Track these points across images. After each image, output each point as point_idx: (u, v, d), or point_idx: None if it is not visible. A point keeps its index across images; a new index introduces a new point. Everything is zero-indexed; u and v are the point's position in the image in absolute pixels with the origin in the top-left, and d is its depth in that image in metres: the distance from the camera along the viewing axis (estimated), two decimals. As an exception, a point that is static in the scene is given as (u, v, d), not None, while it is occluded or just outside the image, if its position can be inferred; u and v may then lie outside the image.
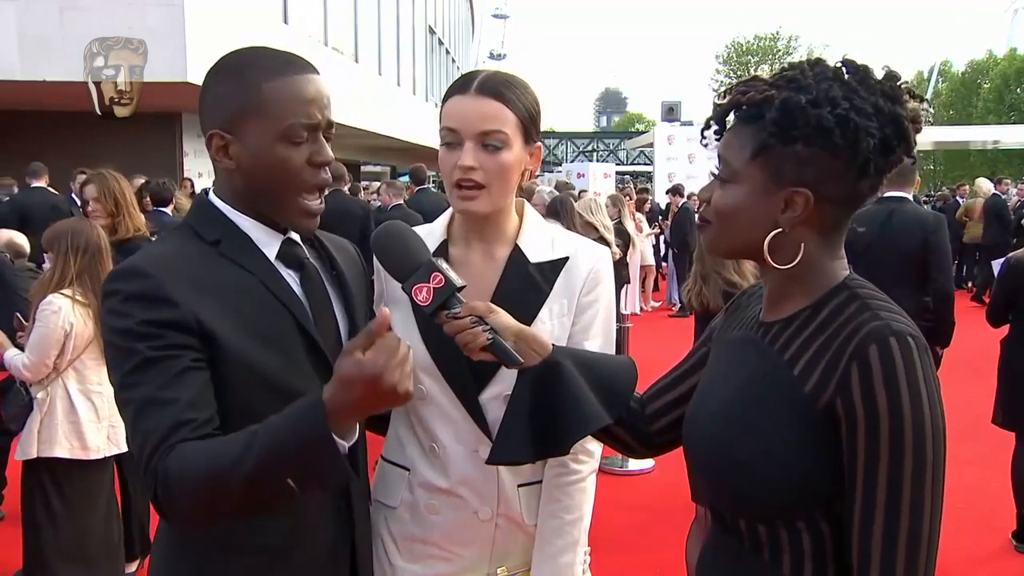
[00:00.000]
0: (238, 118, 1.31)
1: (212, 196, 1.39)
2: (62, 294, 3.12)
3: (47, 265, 3.27)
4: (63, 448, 3.15)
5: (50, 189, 8.05)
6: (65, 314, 3.10)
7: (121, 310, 1.23)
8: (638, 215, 11.69)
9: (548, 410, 1.34)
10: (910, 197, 4.35)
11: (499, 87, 1.48)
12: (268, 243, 1.37)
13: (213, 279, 1.29)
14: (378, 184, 10.66)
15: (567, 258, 1.58)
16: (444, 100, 1.52)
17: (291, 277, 1.39)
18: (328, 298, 1.44)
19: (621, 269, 7.72)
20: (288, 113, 1.30)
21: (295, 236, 1.42)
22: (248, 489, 1.12)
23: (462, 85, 1.49)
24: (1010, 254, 4.34)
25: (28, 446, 3.15)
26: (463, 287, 1.33)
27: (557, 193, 6.45)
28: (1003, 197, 12.86)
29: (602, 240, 5.55)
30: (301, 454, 1.09)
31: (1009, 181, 13.85)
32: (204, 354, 1.24)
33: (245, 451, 1.11)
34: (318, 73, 1.37)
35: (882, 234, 4.13)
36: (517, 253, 1.56)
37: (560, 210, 5.41)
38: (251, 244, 1.36)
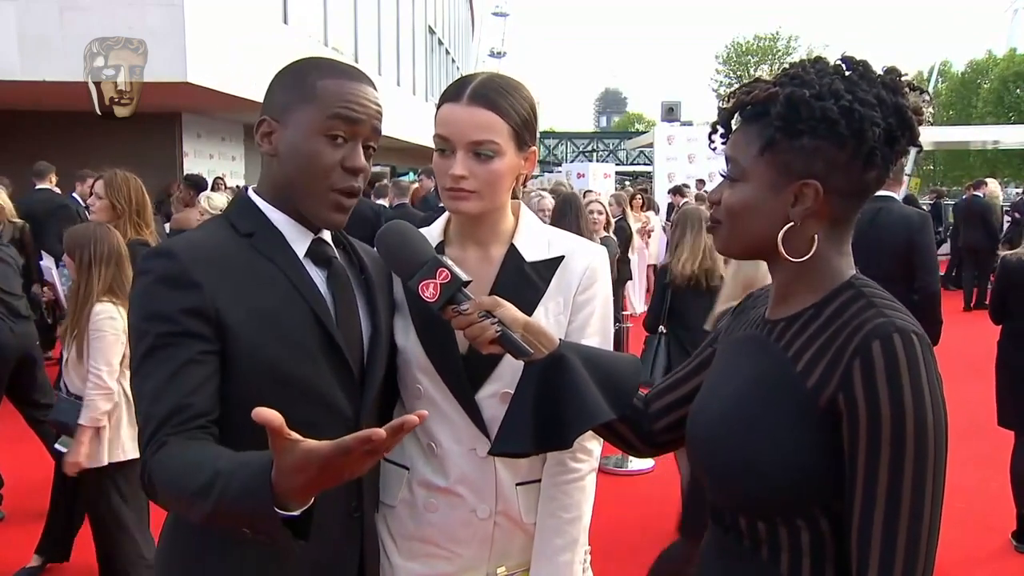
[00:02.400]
0: (288, 108, 1.37)
1: (251, 192, 1.44)
2: (108, 301, 3.14)
3: (66, 268, 3.27)
4: (132, 448, 3.18)
5: (55, 190, 7.99)
6: (120, 319, 3.13)
7: (150, 291, 1.29)
8: (643, 215, 11.68)
9: (552, 403, 1.34)
10: (897, 197, 4.37)
11: (491, 95, 1.48)
12: (299, 240, 1.41)
13: (239, 269, 1.33)
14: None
15: (562, 257, 1.59)
16: (439, 105, 1.52)
17: (318, 275, 1.42)
18: (354, 299, 1.46)
19: (622, 266, 7.73)
20: (333, 104, 1.35)
21: (326, 236, 1.45)
22: (207, 521, 1.14)
23: (455, 92, 1.49)
24: (1003, 254, 4.37)
25: (99, 454, 3.16)
26: (469, 282, 1.35)
27: (547, 197, 6.41)
28: (983, 198, 12.57)
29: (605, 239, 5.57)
30: (248, 518, 1.08)
31: (989, 181, 13.38)
32: (216, 345, 1.28)
33: (205, 492, 1.11)
34: (376, 89, 1.42)
35: (868, 233, 4.15)
36: (513, 252, 1.58)
37: (568, 210, 5.38)
38: (282, 239, 1.39)
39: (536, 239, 1.60)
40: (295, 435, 0.99)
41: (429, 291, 1.33)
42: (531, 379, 1.37)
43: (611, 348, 1.63)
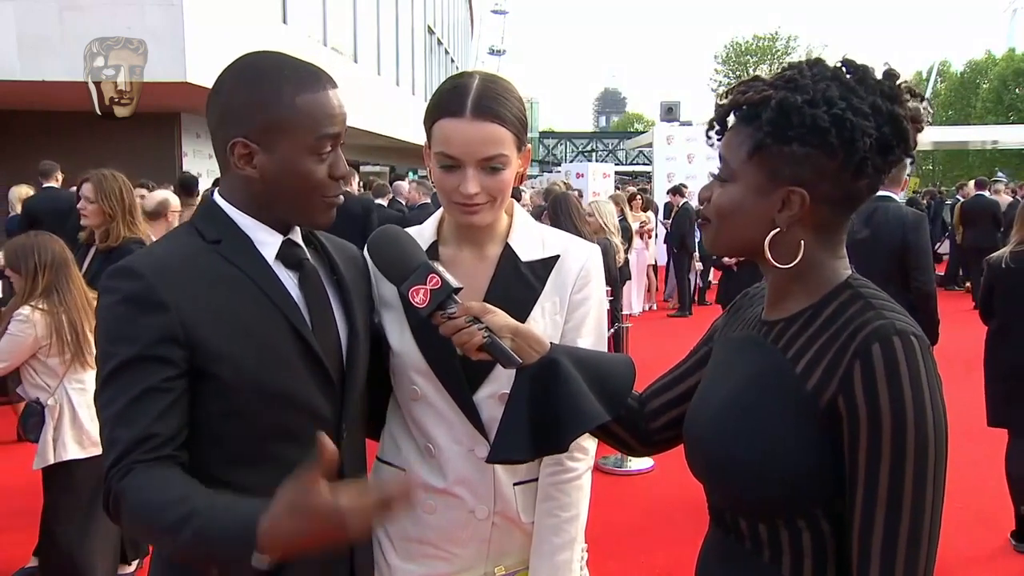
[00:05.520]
0: (268, 130, 1.31)
1: (217, 197, 1.40)
2: (30, 305, 3.25)
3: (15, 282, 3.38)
4: (74, 449, 3.28)
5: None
6: (33, 323, 3.23)
7: (115, 311, 1.26)
8: (643, 214, 11.70)
9: (546, 408, 1.34)
10: (896, 197, 4.38)
11: (493, 106, 1.45)
12: (267, 243, 1.38)
13: (207, 280, 1.30)
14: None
15: (558, 256, 1.58)
16: (435, 117, 1.47)
17: (289, 278, 1.39)
18: (328, 301, 1.44)
19: (621, 266, 7.75)
20: (319, 125, 1.32)
21: (296, 237, 1.43)
22: (176, 553, 1.19)
23: (456, 106, 1.45)
24: (989, 256, 4.39)
25: (45, 454, 3.27)
26: (460, 289, 1.34)
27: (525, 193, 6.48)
28: (988, 196, 12.53)
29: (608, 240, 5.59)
30: (222, 560, 1.11)
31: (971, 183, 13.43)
32: (183, 367, 1.25)
33: (178, 527, 1.12)
34: (337, 86, 1.39)
35: (864, 233, 4.16)
36: (508, 252, 1.57)
37: (560, 211, 5.41)
38: (250, 244, 1.36)
39: (531, 238, 1.60)
40: (322, 480, 1.02)
41: (419, 297, 1.32)
42: (524, 384, 1.35)
43: (605, 347, 1.64)
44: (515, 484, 1.57)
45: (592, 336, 1.60)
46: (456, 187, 1.46)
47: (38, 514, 3.88)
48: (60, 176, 7.81)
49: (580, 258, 1.60)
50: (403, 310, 1.53)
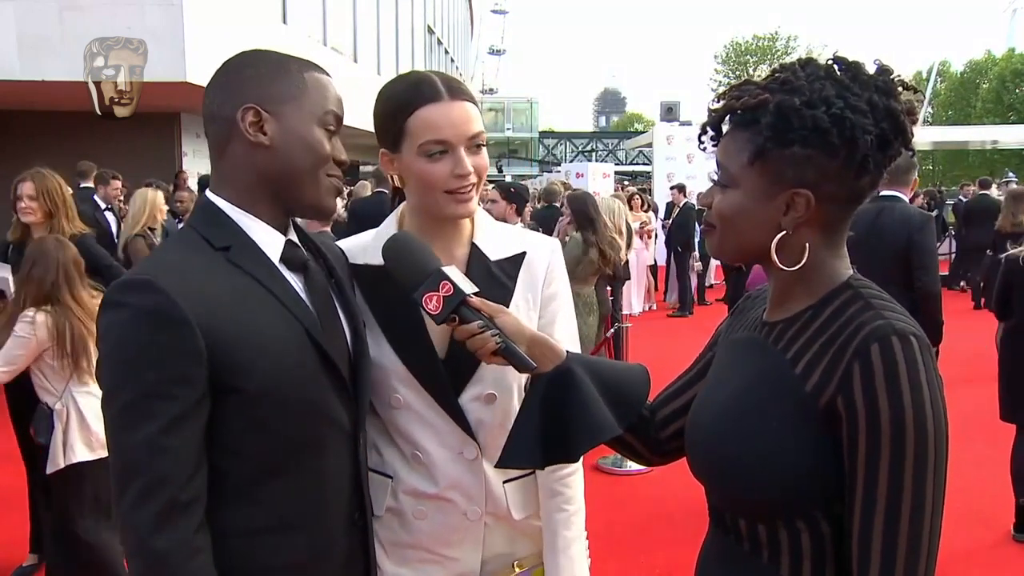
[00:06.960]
0: (279, 99, 1.32)
1: (213, 196, 1.36)
2: (34, 307, 3.25)
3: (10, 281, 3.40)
4: (83, 451, 3.29)
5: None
6: (36, 325, 3.24)
7: (129, 329, 1.19)
8: (643, 214, 11.71)
9: (559, 417, 1.33)
10: (904, 197, 4.36)
11: (463, 87, 1.48)
12: (271, 245, 1.35)
13: (224, 291, 1.26)
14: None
15: (524, 253, 1.59)
16: (410, 110, 1.45)
17: (296, 282, 1.36)
18: (334, 305, 1.43)
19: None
20: (327, 99, 1.36)
21: (293, 238, 1.41)
22: None
23: (431, 92, 1.44)
24: (1006, 253, 4.40)
25: (56, 457, 3.27)
26: (476, 292, 1.34)
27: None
28: (990, 197, 12.65)
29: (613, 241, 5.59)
30: None
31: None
32: (206, 386, 1.22)
33: None
34: (331, 79, 1.41)
35: (870, 233, 4.16)
36: (476, 252, 1.56)
37: (594, 210, 5.41)
38: (257, 250, 1.33)
39: (495, 236, 1.59)
40: None
41: (432, 304, 1.32)
42: (538, 392, 1.35)
43: (578, 339, 1.64)
44: (504, 482, 1.57)
45: (567, 329, 1.61)
46: (448, 173, 1.45)
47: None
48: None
49: (545, 253, 1.61)
50: (374, 317, 1.51)
